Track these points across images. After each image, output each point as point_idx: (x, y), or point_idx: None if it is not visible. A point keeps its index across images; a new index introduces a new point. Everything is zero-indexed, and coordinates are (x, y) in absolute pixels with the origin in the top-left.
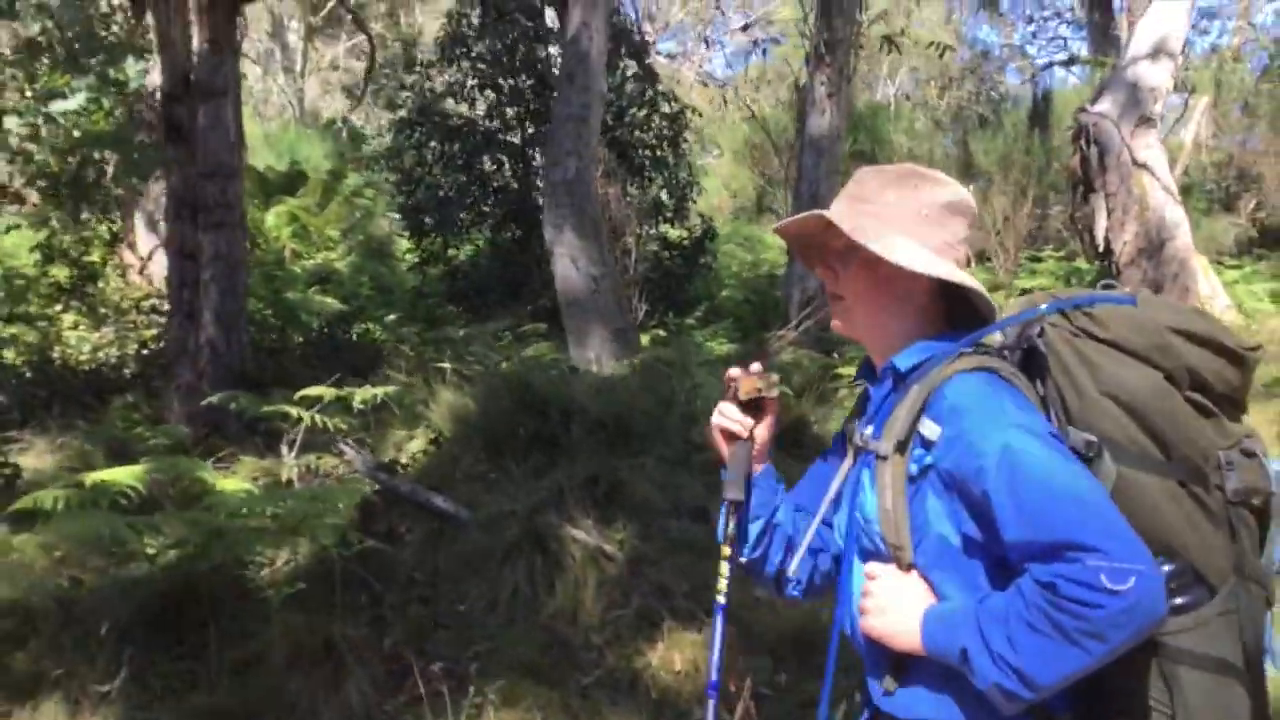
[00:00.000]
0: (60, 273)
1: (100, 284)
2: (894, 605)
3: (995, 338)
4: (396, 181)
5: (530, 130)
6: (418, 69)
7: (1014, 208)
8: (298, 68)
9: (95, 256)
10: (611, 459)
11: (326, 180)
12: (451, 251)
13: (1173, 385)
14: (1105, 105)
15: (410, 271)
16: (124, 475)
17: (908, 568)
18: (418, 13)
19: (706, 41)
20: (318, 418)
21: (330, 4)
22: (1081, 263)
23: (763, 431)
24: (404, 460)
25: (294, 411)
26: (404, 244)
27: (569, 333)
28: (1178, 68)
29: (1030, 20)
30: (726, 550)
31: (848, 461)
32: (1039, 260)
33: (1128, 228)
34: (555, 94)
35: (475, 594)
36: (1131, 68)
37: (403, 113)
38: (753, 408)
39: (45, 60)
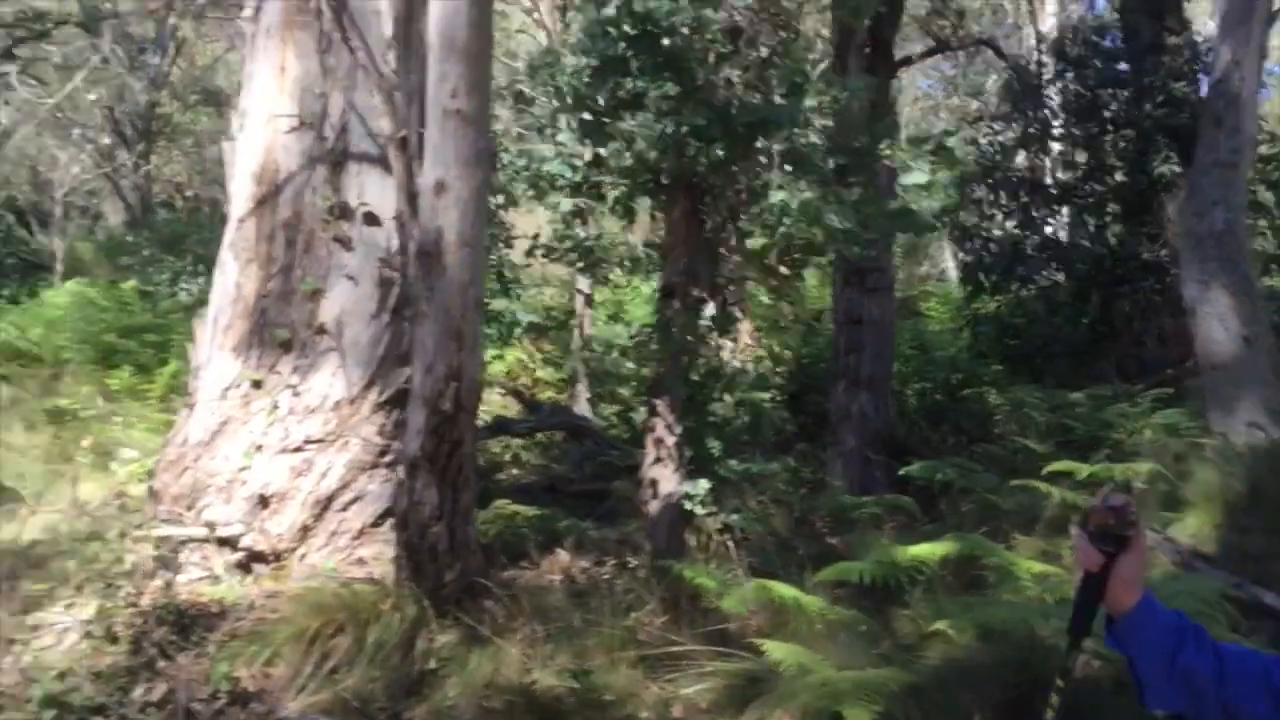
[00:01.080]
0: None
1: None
2: None
3: None
4: (957, 237)
5: (1121, 180)
6: (983, 122)
7: None
8: None
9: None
10: None
11: None
12: (1001, 310)
13: None
14: None
15: (947, 330)
16: (928, 552)
17: None
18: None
19: None
20: (1066, 494)
21: None
22: None
23: (1122, 569)
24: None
25: (1043, 488)
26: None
27: (1210, 399)
28: None
29: None
30: (1059, 681)
31: None
32: None
33: None
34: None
35: None
36: None
37: (962, 167)
38: (1108, 540)
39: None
